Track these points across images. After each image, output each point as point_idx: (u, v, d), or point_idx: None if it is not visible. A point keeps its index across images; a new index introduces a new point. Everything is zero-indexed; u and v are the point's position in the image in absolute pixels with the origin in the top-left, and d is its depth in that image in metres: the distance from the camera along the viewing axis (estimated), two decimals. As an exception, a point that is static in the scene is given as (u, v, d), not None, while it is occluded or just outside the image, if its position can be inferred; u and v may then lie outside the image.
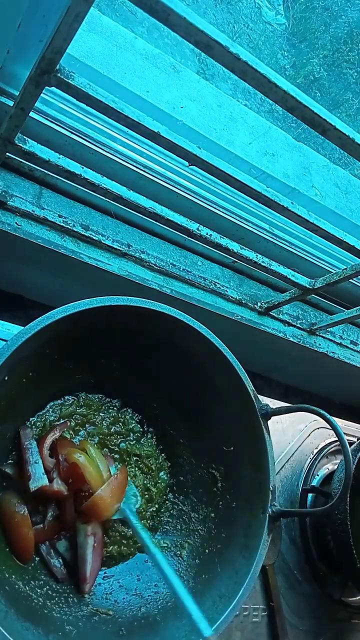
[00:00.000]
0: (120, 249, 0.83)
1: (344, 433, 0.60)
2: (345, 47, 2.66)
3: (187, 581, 0.65)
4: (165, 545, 0.69)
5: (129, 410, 0.73)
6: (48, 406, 0.67)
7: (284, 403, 0.74)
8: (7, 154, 0.68)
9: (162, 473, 0.73)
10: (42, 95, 0.57)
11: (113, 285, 0.85)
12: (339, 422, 0.86)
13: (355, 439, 0.95)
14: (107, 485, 0.60)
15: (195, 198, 0.89)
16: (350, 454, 0.61)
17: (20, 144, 0.63)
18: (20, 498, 0.57)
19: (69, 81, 0.53)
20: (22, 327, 0.52)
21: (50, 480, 0.58)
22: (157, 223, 0.78)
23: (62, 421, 0.66)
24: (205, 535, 0.69)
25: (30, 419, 0.65)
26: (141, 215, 0.75)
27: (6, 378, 0.54)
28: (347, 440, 0.62)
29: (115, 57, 0.82)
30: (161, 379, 0.71)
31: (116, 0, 1.93)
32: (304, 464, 0.93)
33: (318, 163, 1.08)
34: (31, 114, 0.62)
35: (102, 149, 0.79)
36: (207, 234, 0.77)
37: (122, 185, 0.70)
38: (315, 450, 0.95)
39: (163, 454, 0.74)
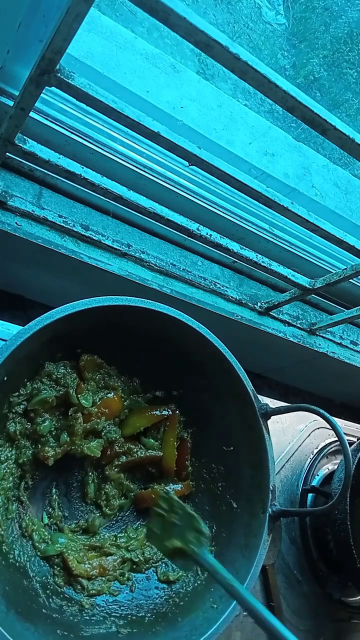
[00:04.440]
0: (120, 249, 0.83)
1: (344, 433, 0.60)
2: (345, 47, 2.66)
3: (187, 582, 0.65)
4: None
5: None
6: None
7: (283, 403, 0.74)
8: (7, 154, 0.68)
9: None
10: (42, 95, 0.57)
11: (113, 285, 0.85)
12: (339, 422, 0.86)
13: (355, 439, 0.95)
14: None
15: (195, 198, 0.89)
16: (350, 454, 0.61)
17: (20, 144, 0.63)
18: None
19: (69, 81, 0.53)
20: (22, 327, 0.52)
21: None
22: (157, 223, 0.78)
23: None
24: (205, 535, 0.69)
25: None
26: (141, 215, 0.75)
27: (5, 379, 0.54)
28: (347, 440, 0.62)
29: (115, 57, 0.82)
30: (160, 379, 0.71)
31: (116, 0, 1.93)
32: (304, 464, 0.93)
33: (318, 163, 1.08)
34: (31, 114, 0.62)
35: (102, 149, 0.79)
36: (207, 234, 0.77)
37: (122, 185, 0.70)
38: (315, 450, 0.95)
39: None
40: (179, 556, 0.55)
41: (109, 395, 0.66)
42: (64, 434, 0.62)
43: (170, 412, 0.70)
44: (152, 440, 0.70)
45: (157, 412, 0.70)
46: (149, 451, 0.69)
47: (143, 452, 0.69)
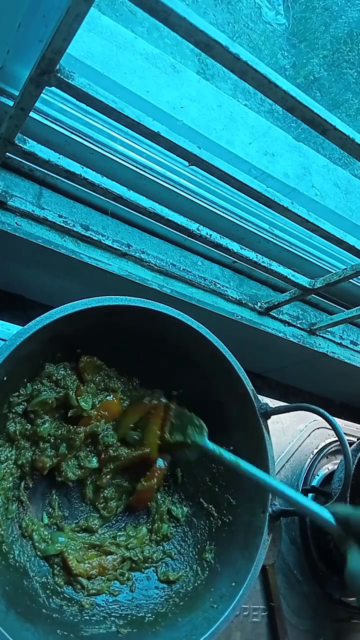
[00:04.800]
0: (120, 249, 0.83)
1: (344, 433, 0.60)
2: (345, 47, 2.66)
3: (187, 582, 0.65)
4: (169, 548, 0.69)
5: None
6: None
7: (283, 403, 0.74)
8: (7, 154, 0.68)
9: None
10: (42, 95, 0.57)
11: (113, 285, 0.85)
12: (339, 422, 0.86)
13: (355, 439, 0.95)
14: None
15: (195, 198, 0.89)
16: (350, 454, 0.61)
17: (20, 144, 0.63)
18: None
19: (69, 81, 0.53)
20: (21, 327, 0.52)
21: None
22: (157, 223, 0.78)
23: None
24: (206, 535, 0.69)
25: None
26: (141, 215, 0.75)
27: (5, 378, 0.54)
28: (347, 440, 0.62)
29: (115, 57, 0.82)
30: (161, 379, 0.71)
31: (116, 0, 1.93)
32: (304, 464, 0.93)
33: (318, 163, 1.08)
34: (31, 114, 0.62)
35: (102, 149, 0.79)
36: (207, 234, 0.77)
37: (122, 185, 0.70)
38: (315, 450, 0.95)
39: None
40: (182, 450, 0.64)
41: (108, 397, 0.66)
42: (62, 446, 0.62)
43: (155, 401, 0.68)
44: (138, 432, 0.68)
45: (145, 401, 0.68)
46: (137, 451, 0.67)
47: (133, 452, 0.67)
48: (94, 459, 0.66)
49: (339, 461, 0.95)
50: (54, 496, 0.65)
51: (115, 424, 0.68)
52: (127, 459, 0.67)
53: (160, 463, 0.69)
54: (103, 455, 0.66)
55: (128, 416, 0.68)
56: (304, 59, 2.58)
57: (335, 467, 0.94)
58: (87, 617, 0.58)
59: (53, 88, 0.53)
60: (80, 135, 0.77)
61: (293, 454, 0.93)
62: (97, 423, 0.64)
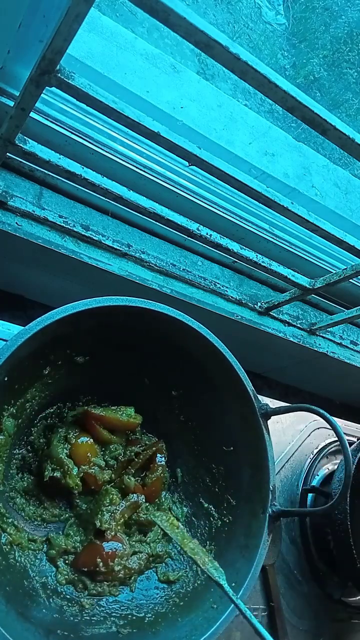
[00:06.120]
0: (120, 249, 0.83)
1: (344, 433, 0.60)
2: (345, 47, 2.66)
3: (187, 583, 0.65)
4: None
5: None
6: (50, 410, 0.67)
7: (283, 403, 0.74)
8: (8, 154, 0.68)
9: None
10: (42, 95, 0.57)
11: (113, 285, 0.85)
12: (339, 422, 0.86)
13: (355, 439, 0.95)
14: None
15: (195, 198, 0.89)
16: (350, 454, 0.61)
17: (21, 144, 0.63)
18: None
19: (69, 81, 0.53)
20: (22, 327, 0.52)
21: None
22: (157, 223, 0.78)
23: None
24: (205, 535, 0.69)
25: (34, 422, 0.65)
26: (141, 215, 0.75)
27: (5, 379, 0.54)
28: (347, 440, 0.62)
29: (115, 57, 0.82)
30: (160, 379, 0.71)
31: (116, 0, 1.93)
32: (304, 464, 0.93)
33: (318, 163, 1.08)
34: (31, 114, 0.62)
35: (102, 149, 0.79)
36: (207, 234, 0.77)
37: (122, 185, 0.70)
38: (315, 450, 0.95)
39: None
40: None
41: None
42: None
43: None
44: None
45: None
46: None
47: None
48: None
49: (339, 461, 0.95)
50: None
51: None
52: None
53: (160, 459, 0.69)
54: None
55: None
56: (304, 59, 2.58)
57: (335, 467, 0.94)
58: (87, 617, 0.58)
59: (53, 88, 0.53)
60: (80, 135, 0.77)
61: (293, 454, 0.93)
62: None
